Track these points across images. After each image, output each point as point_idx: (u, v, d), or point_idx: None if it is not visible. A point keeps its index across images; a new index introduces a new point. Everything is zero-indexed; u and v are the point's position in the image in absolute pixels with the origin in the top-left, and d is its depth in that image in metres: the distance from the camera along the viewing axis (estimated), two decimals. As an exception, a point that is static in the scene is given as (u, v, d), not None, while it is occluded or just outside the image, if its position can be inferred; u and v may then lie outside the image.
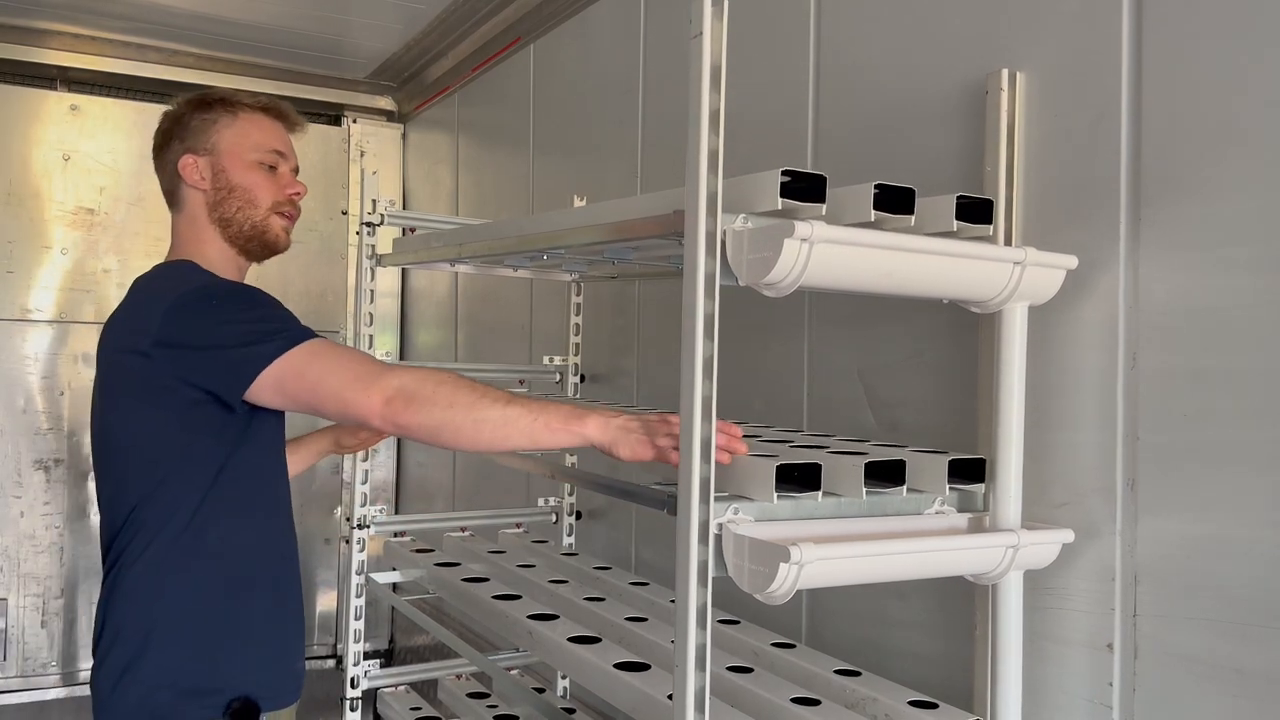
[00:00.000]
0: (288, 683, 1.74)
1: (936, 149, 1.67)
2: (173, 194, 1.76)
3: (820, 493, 1.31)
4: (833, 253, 1.22)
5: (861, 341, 1.84)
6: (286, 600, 1.75)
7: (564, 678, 2.67)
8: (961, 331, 1.60)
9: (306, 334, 1.54)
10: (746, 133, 1.95)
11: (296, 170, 1.82)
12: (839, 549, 1.23)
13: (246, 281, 1.83)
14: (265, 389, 1.51)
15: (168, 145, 1.74)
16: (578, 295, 2.74)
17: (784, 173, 1.26)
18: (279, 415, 1.69)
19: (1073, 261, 1.40)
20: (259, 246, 1.76)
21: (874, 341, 1.82)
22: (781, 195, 1.25)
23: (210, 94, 1.76)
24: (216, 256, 1.73)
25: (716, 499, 1.24)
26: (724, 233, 1.24)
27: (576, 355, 2.75)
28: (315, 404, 1.51)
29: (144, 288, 1.68)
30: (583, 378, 2.77)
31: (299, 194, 1.79)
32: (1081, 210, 1.45)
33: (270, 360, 1.49)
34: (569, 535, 2.76)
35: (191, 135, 1.72)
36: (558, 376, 2.77)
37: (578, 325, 2.75)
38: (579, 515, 2.77)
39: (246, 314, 1.56)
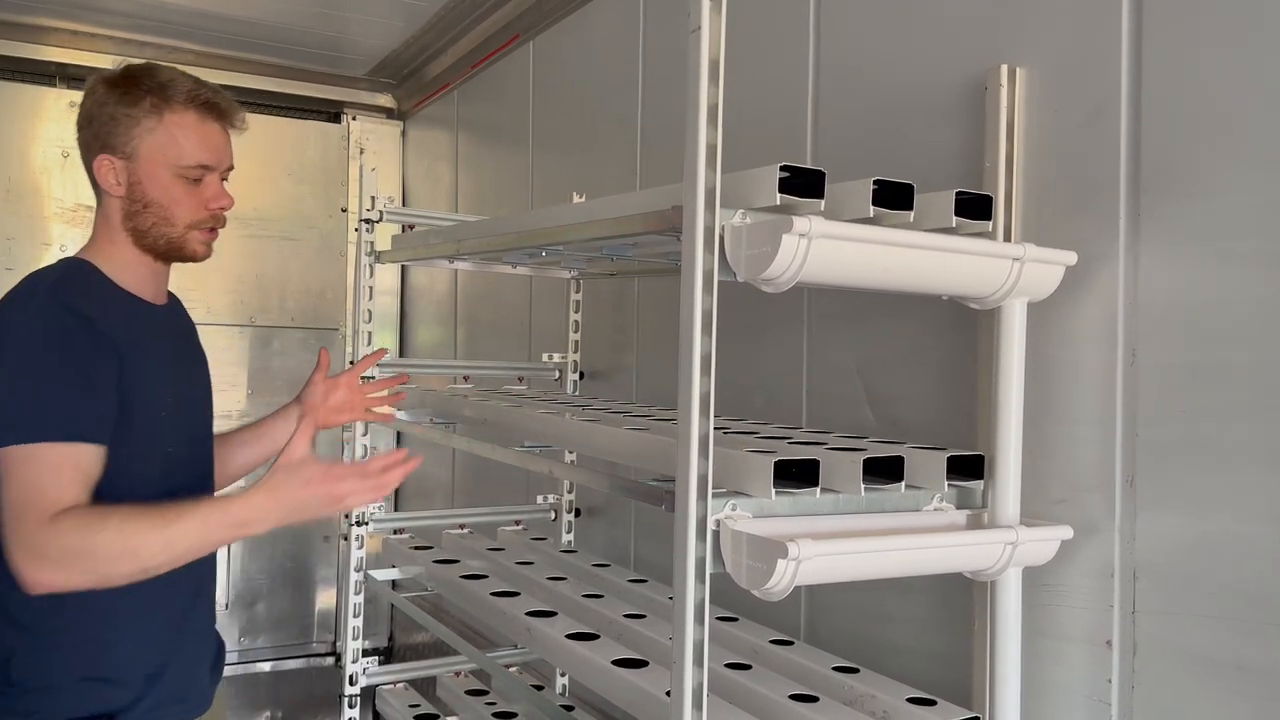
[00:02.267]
0: (174, 694, 1.59)
1: (936, 145, 1.67)
2: (93, 184, 1.60)
3: (818, 489, 1.31)
4: (831, 248, 1.21)
5: (860, 337, 1.84)
6: (167, 611, 1.58)
7: (563, 675, 2.67)
8: (960, 327, 1.60)
9: (39, 434, 1.37)
10: (746, 128, 1.95)
11: (230, 170, 1.64)
12: (837, 545, 1.23)
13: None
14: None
15: (88, 126, 1.57)
16: (577, 293, 2.73)
17: (783, 168, 1.25)
18: (156, 413, 1.54)
19: (1072, 257, 1.40)
20: (176, 259, 1.63)
21: (873, 337, 1.82)
22: (780, 191, 1.25)
23: (140, 80, 1.55)
24: (128, 260, 1.59)
25: (714, 495, 1.24)
26: (722, 228, 1.24)
27: (576, 353, 2.75)
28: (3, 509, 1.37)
29: (24, 280, 1.55)
30: (582, 375, 2.77)
31: (224, 207, 1.62)
32: (1081, 206, 1.44)
33: (6, 444, 1.37)
34: (568, 532, 2.75)
35: (110, 130, 1.54)
36: (557, 374, 2.77)
37: (577, 323, 2.74)
38: (578, 512, 2.77)
39: (24, 370, 1.41)
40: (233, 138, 1.65)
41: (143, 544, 1.35)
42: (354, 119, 4.36)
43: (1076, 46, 1.46)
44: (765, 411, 2.04)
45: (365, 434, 2.51)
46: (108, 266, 1.58)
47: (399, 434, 4.31)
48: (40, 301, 1.46)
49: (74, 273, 1.55)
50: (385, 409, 2.06)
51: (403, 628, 4.18)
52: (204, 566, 1.66)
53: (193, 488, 1.60)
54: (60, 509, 1.35)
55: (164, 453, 1.57)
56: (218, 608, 1.86)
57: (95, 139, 1.55)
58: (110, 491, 1.44)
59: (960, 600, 1.57)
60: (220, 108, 1.60)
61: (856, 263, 1.26)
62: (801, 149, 1.96)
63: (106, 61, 3.89)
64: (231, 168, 1.64)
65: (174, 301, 1.74)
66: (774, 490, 1.27)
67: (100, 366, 1.46)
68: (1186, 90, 1.33)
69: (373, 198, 2.46)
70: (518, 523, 2.78)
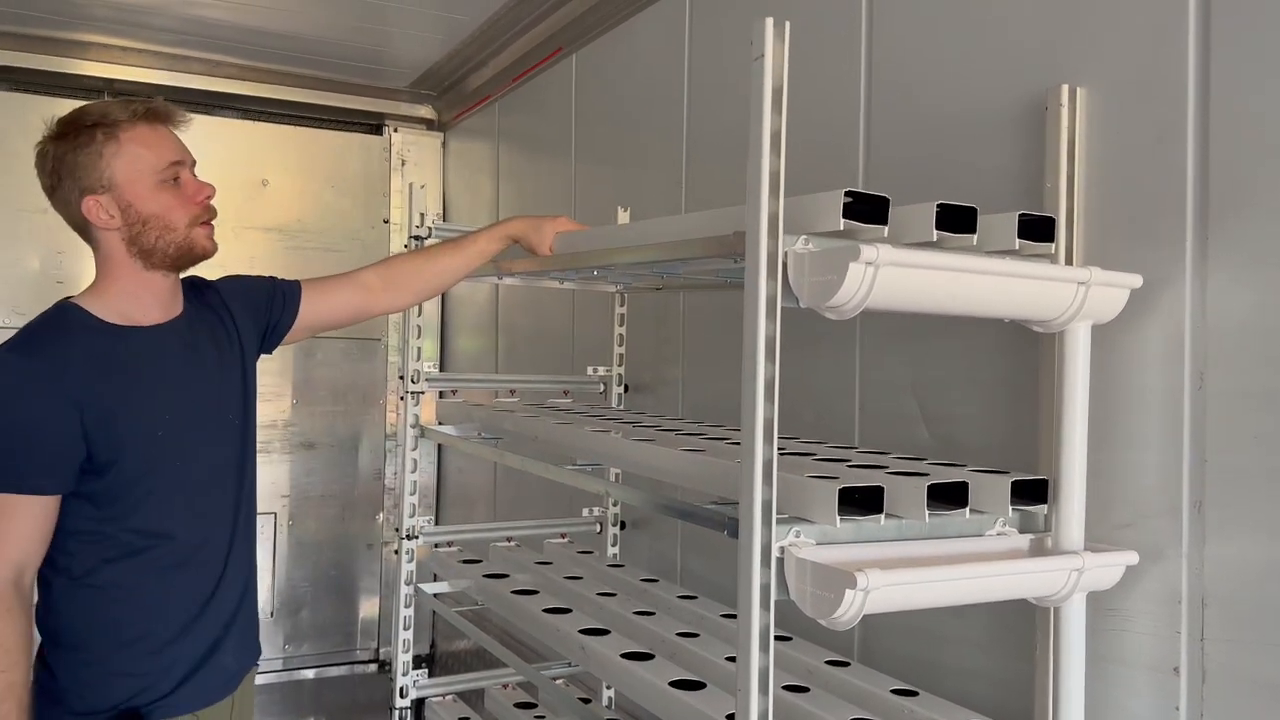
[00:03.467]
0: (184, 689, 1.68)
1: (993, 166, 1.65)
2: (84, 232, 1.67)
3: (883, 515, 1.31)
4: (897, 275, 1.21)
5: (914, 356, 1.83)
6: (176, 611, 1.68)
7: (609, 688, 2.68)
8: (1019, 348, 1.58)
9: None
10: (796, 151, 1.94)
11: (195, 164, 1.70)
12: (904, 575, 1.22)
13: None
14: None
15: (59, 185, 1.63)
16: (621, 306, 2.74)
17: (847, 193, 1.25)
18: (152, 433, 1.63)
19: (1137, 280, 1.38)
20: (188, 261, 1.70)
21: (927, 356, 1.80)
22: (844, 216, 1.25)
23: (83, 120, 1.62)
24: (130, 290, 1.66)
25: (778, 521, 1.24)
26: (785, 255, 1.24)
27: (620, 365, 2.75)
28: None
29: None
30: (626, 388, 2.77)
31: (210, 196, 1.69)
32: (1146, 227, 1.43)
33: None
34: (613, 545, 2.76)
35: (82, 174, 1.60)
36: (601, 387, 2.78)
37: (622, 336, 2.75)
38: (623, 525, 2.78)
39: None
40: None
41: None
42: (395, 131, 4.39)
43: (1141, 66, 1.44)
44: (816, 427, 2.03)
45: (415, 449, 2.53)
46: (98, 304, 1.64)
47: (439, 447, 4.34)
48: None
49: (45, 324, 1.63)
50: None
51: (444, 635, 4.21)
52: (220, 562, 1.73)
53: (214, 494, 1.71)
54: (14, 557, 1.53)
55: (173, 467, 1.65)
56: (263, 616, 1.92)
57: (72, 190, 1.62)
58: (132, 512, 1.59)
59: (1019, 622, 1.56)
60: (161, 113, 1.67)
61: (922, 289, 1.26)
62: (854, 170, 1.95)
63: (152, 76, 4.01)
64: (195, 161, 1.71)
65: (195, 308, 1.77)
66: (839, 518, 1.27)
67: (49, 420, 1.55)
68: (1256, 110, 1.31)
69: (421, 214, 2.48)
70: (563, 535, 2.79)
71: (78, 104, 4.06)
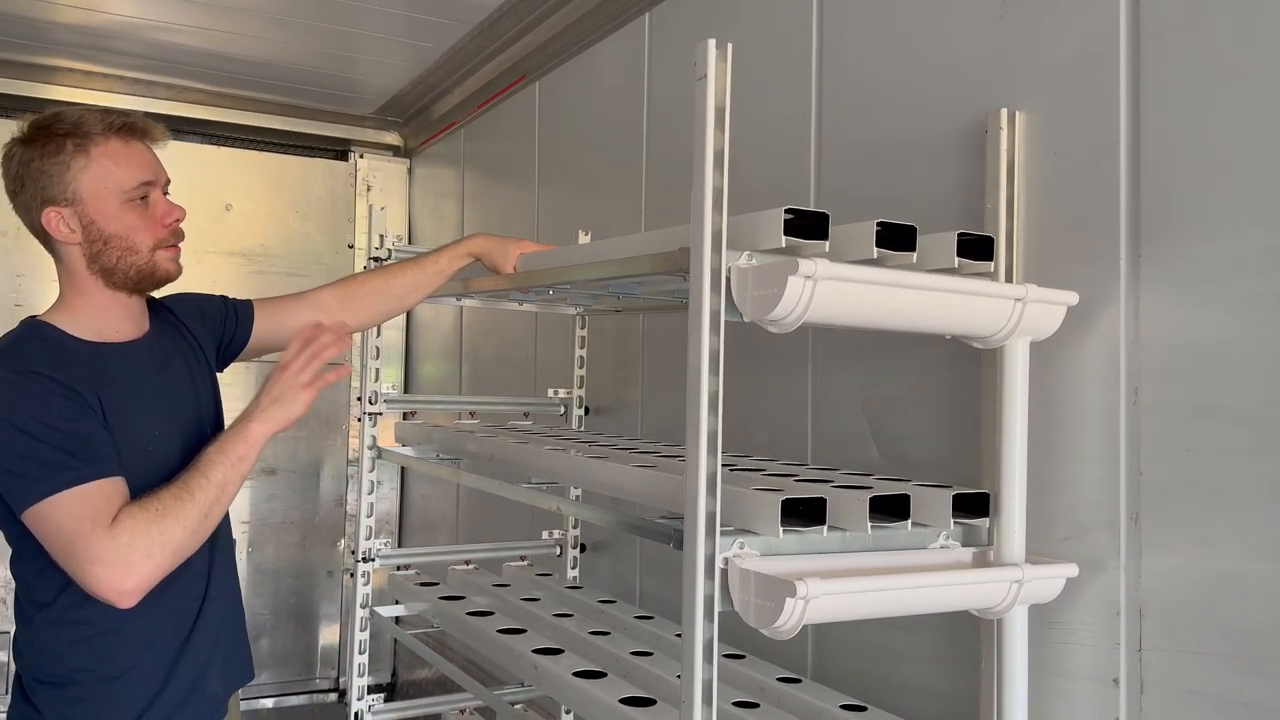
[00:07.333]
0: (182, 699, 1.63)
1: (938, 186, 1.69)
2: (45, 242, 1.61)
3: (826, 527, 1.32)
4: (836, 290, 1.23)
5: (865, 375, 1.86)
6: (162, 640, 1.61)
7: (568, 712, 2.66)
8: (965, 364, 1.61)
9: (53, 487, 1.41)
10: (750, 170, 1.98)
11: (168, 184, 1.65)
12: (845, 584, 1.24)
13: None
14: (29, 521, 1.45)
15: (22, 190, 1.58)
16: (582, 329, 2.76)
17: (787, 211, 1.28)
18: (144, 449, 1.56)
19: (1073, 298, 1.42)
20: (150, 284, 1.64)
21: (878, 375, 1.83)
22: (785, 233, 1.27)
23: (55, 127, 1.56)
24: (97, 307, 1.60)
25: (722, 533, 1.25)
26: (729, 270, 1.26)
27: (581, 388, 2.77)
28: (58, 560, 1.44)
29: None
30: (587, 410, 2.78)
31: (179, 219, 1.63)
32: (1082, 247, 1.47)
33: (31, 503, 1.42)
34: (573, 568, 2.76)
35: (46, 183, 1.54)
36: (562, 409, 2.78)
37: (582, 358, 2.76)
38: (583, 548, 2.77)
39: (12, 440, 1.44)
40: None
41: (190, 491, 1.48)
42: (361, 156, 4.41)
43: (1076, 90, 1.48)
44: (770, 447, 2.05)
45: (372, 470, 2.52)
46: (69, 321, 1.58)
47: (403, 473, 4.33)
48: (14, 356, 1.50)
49: (23, 338, 1.56)
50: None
51: (406, 664, 4.16)
52: (205, 578, 1.68)
53: None
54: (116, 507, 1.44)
55: (153, 486, 1.56)
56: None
57: (35, 198, 1.56)
58: None
59: (967, 637, 1.57)
60: (138, 128, 1.61)
61: (861, 304, 1.28)
62: (805, 190, 1.99)
63: (119, 100, 4.01)
64: (169, 181, 1.65)
65: (158, 326, 1.71)
66: (781, 529, 1.28)
67: (78, 413, 1.48)
68: (1185, 132, 1.35)
69: (381, 235, 2.49)
70: (523, 558, 2.78)
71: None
